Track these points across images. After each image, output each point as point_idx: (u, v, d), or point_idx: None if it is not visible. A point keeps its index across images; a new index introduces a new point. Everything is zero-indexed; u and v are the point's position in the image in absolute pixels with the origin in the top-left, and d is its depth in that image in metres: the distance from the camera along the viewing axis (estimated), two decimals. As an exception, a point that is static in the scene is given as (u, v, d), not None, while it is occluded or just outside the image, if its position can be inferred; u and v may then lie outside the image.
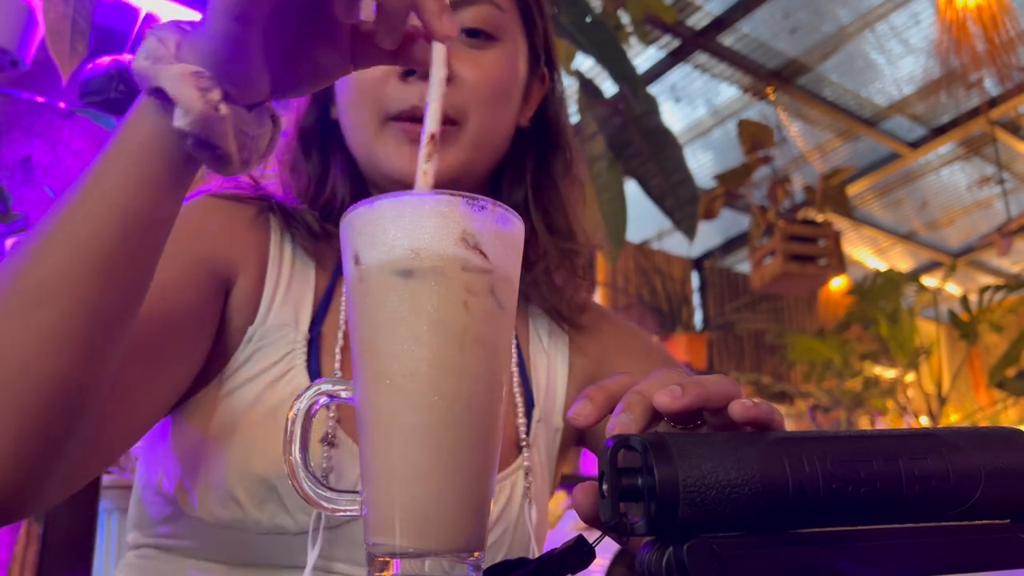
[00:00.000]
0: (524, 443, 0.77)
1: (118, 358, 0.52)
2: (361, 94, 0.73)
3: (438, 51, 0.47)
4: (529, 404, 0.81)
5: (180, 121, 0.45)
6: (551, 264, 0.84)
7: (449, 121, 0.72)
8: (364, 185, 0.80)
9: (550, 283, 0.85)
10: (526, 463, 0.76)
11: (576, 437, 0.86)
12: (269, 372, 0.70)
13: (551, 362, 0.86)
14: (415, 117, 0.71)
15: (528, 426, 0.78)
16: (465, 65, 0.72)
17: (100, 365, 0.50)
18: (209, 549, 0.68)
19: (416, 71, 0.69)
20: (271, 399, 0.68)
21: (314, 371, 0.71)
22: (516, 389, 0.79)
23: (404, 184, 0.72)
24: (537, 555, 0.46)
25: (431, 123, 0.45)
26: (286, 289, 0.74)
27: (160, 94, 0.46)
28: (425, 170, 0.45)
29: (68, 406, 0.49)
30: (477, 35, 0.73)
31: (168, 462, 0.69)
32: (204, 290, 0.69)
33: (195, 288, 0.68)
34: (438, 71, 0.46)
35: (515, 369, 0.80)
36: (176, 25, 0.49)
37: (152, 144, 0.48)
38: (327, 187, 0.79)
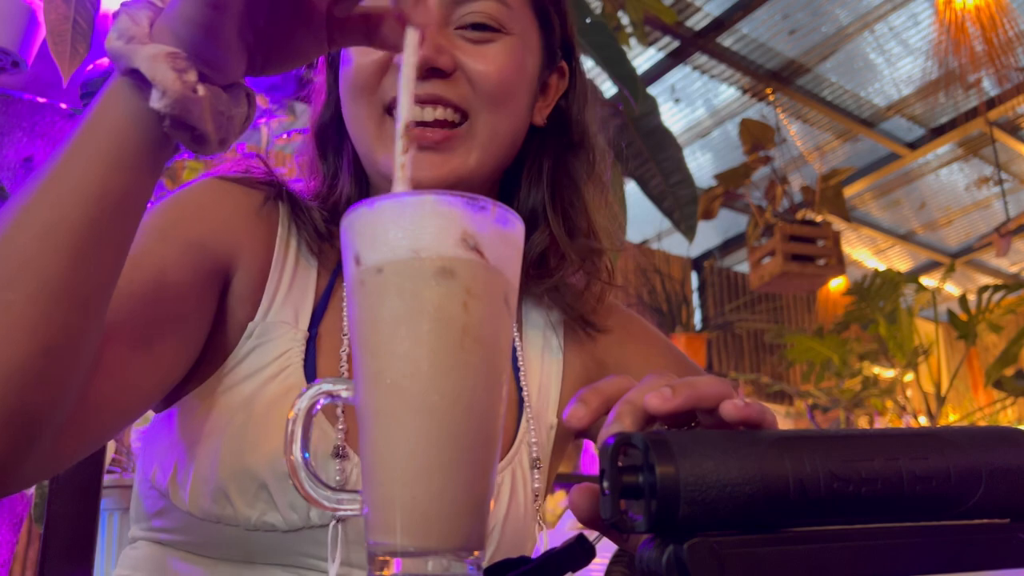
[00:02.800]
0: (521, 441, 0.77)
1: (95, 337, 0.51)
2: (359, 88, 0.72)
3: (411, 37, 0.46)
4: (520, 402, 0.80)
5: (157, 103, 0.45)
6: (572, 268, 0.82)
7: (459, 112, 0.71)
8: (367, 186, 0.81)
9: (572, 288, 0.84)
10: (510, 466, 0.75)
11: (574, 431, 0.85)
12: (266, 369, 0.69)
13: (545, 359, 0.85)
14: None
15: (517, 424, 0.78)
16: (469, 58, 0.71)
17: (75, 345, 0.49)
18: (199, 543, 0.68)
19: None
20: (266, 396, 0.68)
21: (310, 369, 0.71)
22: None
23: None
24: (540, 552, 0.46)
25: (404, 113, 0.44)
26: (288, 287, 0.74)
27: (135, 75, 0.46)
28: (402, 163, 0.44)
29: (44, 385, 0.48)
30: (483, 28, 0.72)
31: (163, 456, 0.69)
32: (202, 276, 0.68)
33: (193, 273, 0.66)
34: (410, 56, 0.45)
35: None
36: (148, 2, 0.49)
37: (126, 125, 0.48)
38: (337, 187, 0.79)
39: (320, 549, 0.66)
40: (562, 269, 0.82)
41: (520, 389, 0.81)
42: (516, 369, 0.82)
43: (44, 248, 0.47)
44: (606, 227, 0.84)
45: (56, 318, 0.47)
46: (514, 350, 0.82)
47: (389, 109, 0.72)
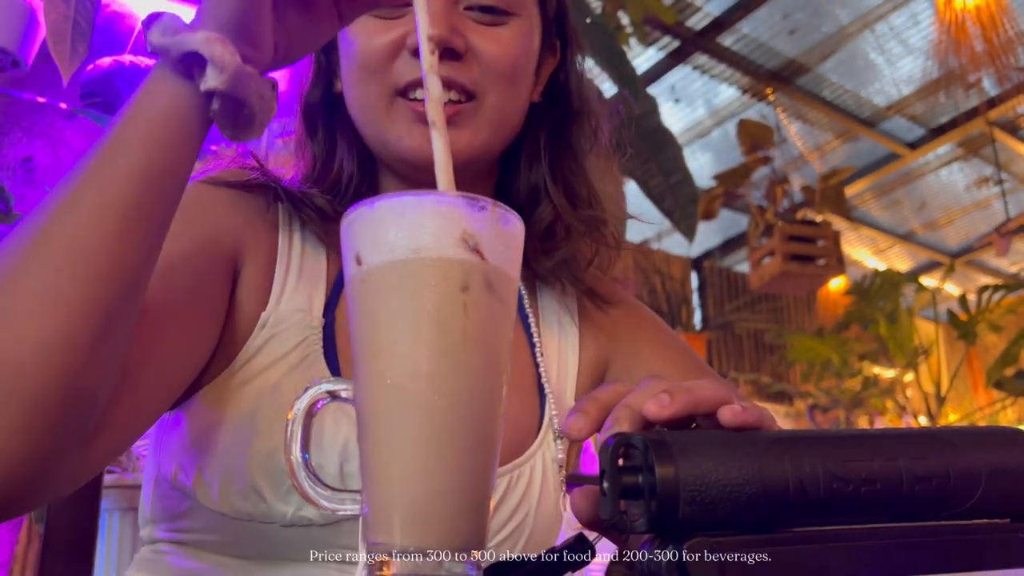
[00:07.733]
0: (544, 430, 0.77)
1: (135, 316, 0.52)
2: (369, 71, 0.72)
3: None
4: (542, 392, 0.80)
5: (214, 81, 0.48)
6: (577, 240, 0.82)
7: (466, 94, 0.71)
8: (372, 161, 0.80)
9: (579, 262, 0.84)
10: (540, 450, 0.75)
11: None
12: (286, 359, 0.68)
13: (562, 340, 0.84)
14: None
15: (541, 414, 0.78)
16: (482, 40, 0.71)
17: (122, 325, 0.50)
18: (229, 543, 0.67)
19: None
20: (289, 387, 0.67)
21: (331, 357, 0.70)
22: (530, 380, 0.79)
23: (415, 163, 0.72)
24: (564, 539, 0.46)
25: (425, 28, 0.48)
26: (298, 274, 0.73)
27: (184, 62, 0.49)
28: (432, 79, 0.48)
29: (96, 367, 0.48)
30: (493, 11, 0.72)
31: (183, 455, 0.67)
32: (212, 270, 0.68)
33: (203, 268, 0.67)
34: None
35: (530, 360, 0.80)
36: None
37: (173, 109, 0.50)
38: (334, 165, 0.79)
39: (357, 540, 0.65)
40: (569, 241, 0.81)
41: (540, 375, 0.80)
42: (535, 354, 0.81)
43: (93, 231, 0.48)
44: (610, 194, 0.84)
45: (106, 300, 0.48)
46: (532, 336, 0.81)
47: (400, 92, 0.71)
